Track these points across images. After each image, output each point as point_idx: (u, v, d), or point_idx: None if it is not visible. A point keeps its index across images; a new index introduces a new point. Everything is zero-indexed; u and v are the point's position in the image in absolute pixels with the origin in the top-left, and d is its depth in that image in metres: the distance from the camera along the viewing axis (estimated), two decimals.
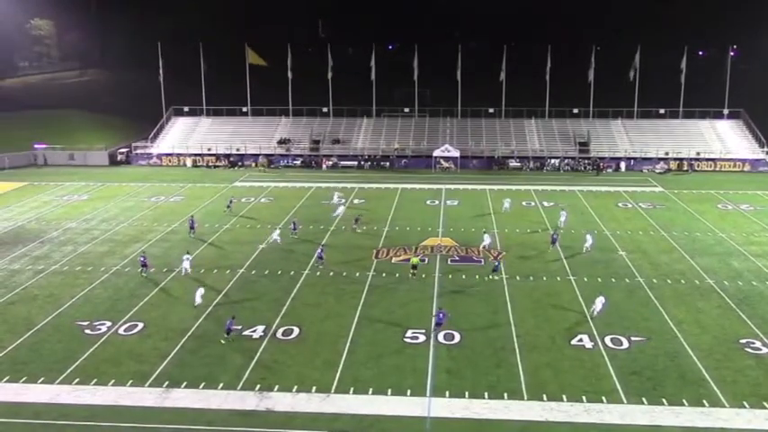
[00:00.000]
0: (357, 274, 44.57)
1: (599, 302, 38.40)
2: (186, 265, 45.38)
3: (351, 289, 42.18)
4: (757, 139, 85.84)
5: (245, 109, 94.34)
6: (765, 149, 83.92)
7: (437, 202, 65.62)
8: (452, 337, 35.53)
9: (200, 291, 40.16)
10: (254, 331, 35.89)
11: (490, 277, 44.17)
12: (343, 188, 71.23)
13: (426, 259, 47.32)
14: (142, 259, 45.44)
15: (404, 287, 42.54)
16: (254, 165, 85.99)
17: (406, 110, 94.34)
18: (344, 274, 44.77)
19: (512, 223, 57.28)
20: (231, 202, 62.68)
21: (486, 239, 50.41)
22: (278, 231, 52.43)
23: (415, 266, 44.90)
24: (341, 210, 60.07)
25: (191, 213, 58.75)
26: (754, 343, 35.31)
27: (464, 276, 44.44)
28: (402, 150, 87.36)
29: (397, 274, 44.67)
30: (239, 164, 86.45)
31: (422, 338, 35.37)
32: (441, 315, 36.56)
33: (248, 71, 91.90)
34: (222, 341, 34.86)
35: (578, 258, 48.03)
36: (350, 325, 37.02)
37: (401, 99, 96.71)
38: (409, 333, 35.94)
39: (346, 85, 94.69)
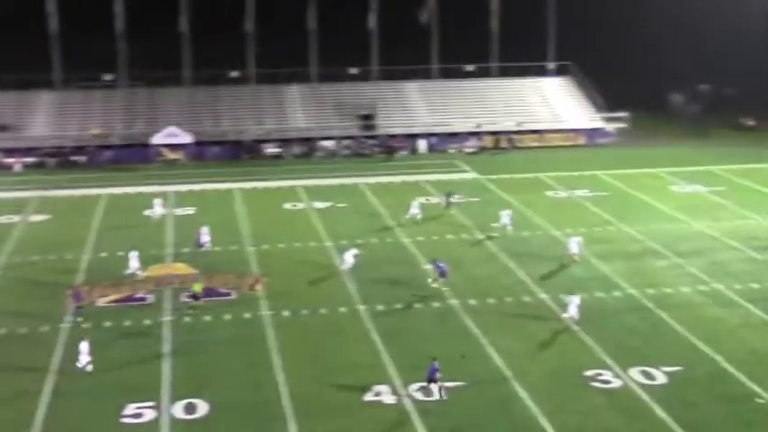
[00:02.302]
0: (45, 329, 42.80)
1: (573, 305, 42.97)
2: None
3: (29, 354, 40.44)
4: (593, 101, 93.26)
5: None
6: (604, 114, 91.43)
7: (161, 210, 64.49)
8: (195, 410, 35.05)
9: None
10: None
11: (248, 317, 44.25)
12: (6, 199, 68.13)
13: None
14: None
15: (120, 343, 41.47)
16: None
17: (109, 77, 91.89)
18: (23, 331, 42.80)
19: (274, 234, 57.82)
20: None
21: (574, 246, 52.57)
22: (354, 252, 51.41)
23: (196, 297, 45.31)
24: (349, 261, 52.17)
25: None
26: (602, 374, 38.08)
27: (208, 318, 44.22)
28: (105, 137, 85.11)
29: (108, 323, 43.52)
30: None
31: (149, 415, 34.62)
32: (434, 368, 36.14)
33: None
34: None
35: (369, 279, 49.38)
36: (33, 413, 35.39)
37: (99, 58, 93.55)
38: (130, 409, 34.96)
39: (12, 35, 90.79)
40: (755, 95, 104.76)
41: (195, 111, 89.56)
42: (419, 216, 60.63)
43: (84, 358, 38.29)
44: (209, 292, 47.38)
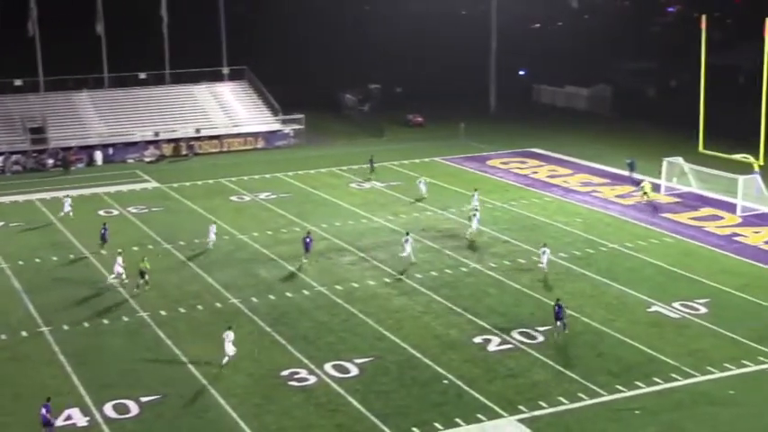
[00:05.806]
0: None
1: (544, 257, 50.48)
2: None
3: None
4: (269, 104, 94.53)
5: None
6: (280, 117, 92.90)
7: None
8: None
9: None
10: None
11: None
12: None
13: None
14: None
15: None
16: None
17: None
18: None
19: None
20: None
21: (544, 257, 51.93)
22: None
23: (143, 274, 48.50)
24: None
25: None
26: (298, 373, 38.94)
27: None
28: None
29: None
30: None
31: None
32: (560, 307, 42.28)
33: None
34: None
35: (51, 299, 47.58)
36: None
37: None
38: None
39: None
40: (421, 93, 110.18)
41: None
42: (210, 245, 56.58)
43: (230, 348, 39.30)
44: None
